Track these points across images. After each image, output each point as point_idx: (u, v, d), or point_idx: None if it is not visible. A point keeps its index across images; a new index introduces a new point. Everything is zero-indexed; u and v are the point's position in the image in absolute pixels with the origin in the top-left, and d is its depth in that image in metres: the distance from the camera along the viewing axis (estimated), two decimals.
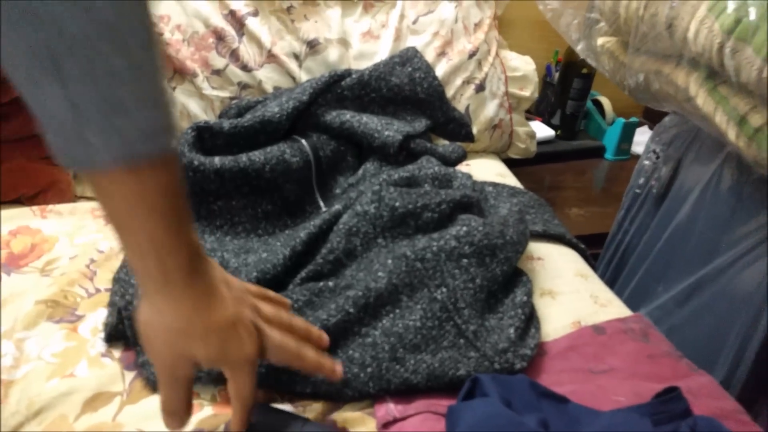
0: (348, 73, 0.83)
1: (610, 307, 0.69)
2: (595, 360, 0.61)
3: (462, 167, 0.91)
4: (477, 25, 0.97)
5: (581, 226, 1.06)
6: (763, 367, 0.68)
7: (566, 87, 1.29)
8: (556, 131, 1.32)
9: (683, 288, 0.76)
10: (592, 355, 0.61)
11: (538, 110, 1.39)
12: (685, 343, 0.66)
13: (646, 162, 0.86)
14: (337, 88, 0.81)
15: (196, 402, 0.49)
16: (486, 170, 0.95)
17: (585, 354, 0.61)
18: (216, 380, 0.53)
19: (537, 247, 0.76)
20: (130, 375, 0.55)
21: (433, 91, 0.88)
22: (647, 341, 0.64)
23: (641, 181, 0.87)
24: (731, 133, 0.60)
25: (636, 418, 0.49)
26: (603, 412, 0.51)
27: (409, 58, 0.88)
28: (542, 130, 1.29)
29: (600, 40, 0.87)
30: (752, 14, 0.56)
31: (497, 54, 0.99)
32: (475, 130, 0.96)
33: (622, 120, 1.29)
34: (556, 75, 1.31)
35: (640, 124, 1.35)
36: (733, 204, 0.70)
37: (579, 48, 0.90)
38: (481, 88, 0.96)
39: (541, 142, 1.25)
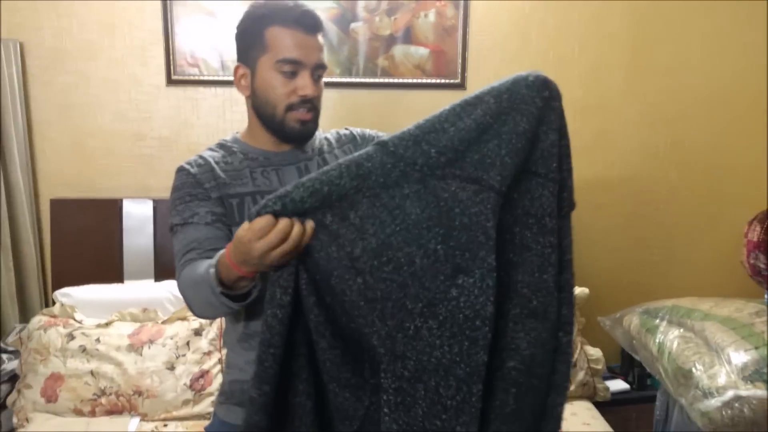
0: None
1: None
2: None
3: (567, 405, 1.90)
4: None
5: None
6: None
7: (633, 360, 2.26)
8: (631, 385, 2.25)
9: None
10: None
11: (622, 372, 2.34)
12: None
13: (658, 403, 1.81)
14: None
15: None
16: (581, 408, 1.93)
17: None
18: None
19: None
20: None
21: None
22: None
23: (658, 412, 1.81)
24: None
25: None
26: None
27: None
28: (621, 385, 2.24)
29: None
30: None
31: (581, 348, 2.05)
32: (573, 386, 1.97)
33: None
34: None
35: None
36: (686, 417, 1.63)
37: (623, 344, 1.93)
38: (574, 365, 2.00)
39: (621, 392, 2.18)
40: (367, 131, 1.28)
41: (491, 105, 0.84)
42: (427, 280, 0.84)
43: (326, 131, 1.27)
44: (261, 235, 0.80)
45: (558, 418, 0.93)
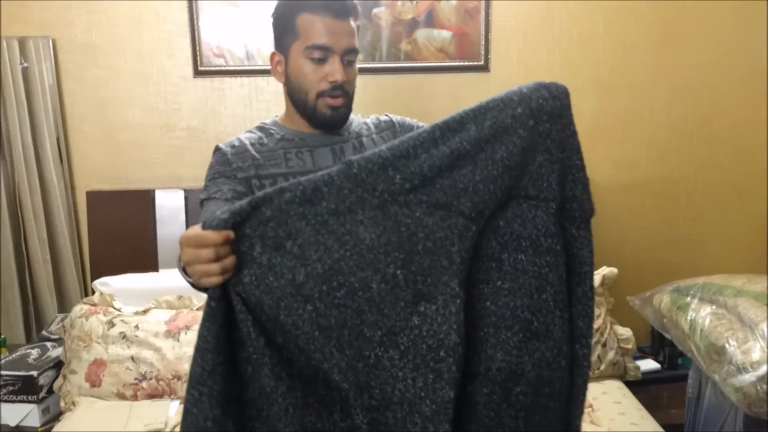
0: None
1: None
2: None
3: (598, 384, 1.91)
4: (597, 316, 2.05)
5: (674, 417, 1.95)
6: None
7: (664, 339, 2.25)
8: (661, 365, 2.25)
9: None
10: None
11: (652, 351, 2.33)
12: None
13: (690, 381, 1.81)
14: None
15: None
16: (612, 387, 1.93)
17: None
18: None
19: None
20: None
21: None
22: None
23: (690, 390, 1.81)
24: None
25: None
26: None
27: None
28: (651, 364, 2.23)
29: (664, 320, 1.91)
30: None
31: (611, 328, 2.05)
32: (603, 366, 1.97)
33: None
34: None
35: None
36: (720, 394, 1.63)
37: (654, 323, 1.93)
38: (604, 345, 2.00)
39: (652, 372, 2.18)
40: (407, 119, 1.29)
41: (471, 132, 0.82)
42: (386, 307, 0.81)
43: (365, 116, 1.29)
44: (189, 243, 0.79)
45: (577, 430, 0.94)
